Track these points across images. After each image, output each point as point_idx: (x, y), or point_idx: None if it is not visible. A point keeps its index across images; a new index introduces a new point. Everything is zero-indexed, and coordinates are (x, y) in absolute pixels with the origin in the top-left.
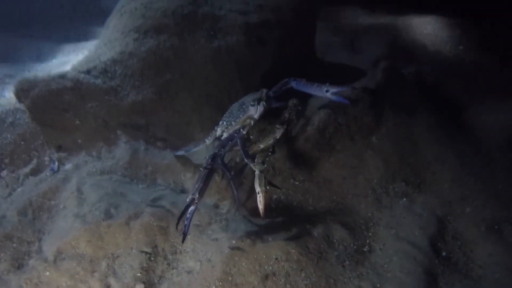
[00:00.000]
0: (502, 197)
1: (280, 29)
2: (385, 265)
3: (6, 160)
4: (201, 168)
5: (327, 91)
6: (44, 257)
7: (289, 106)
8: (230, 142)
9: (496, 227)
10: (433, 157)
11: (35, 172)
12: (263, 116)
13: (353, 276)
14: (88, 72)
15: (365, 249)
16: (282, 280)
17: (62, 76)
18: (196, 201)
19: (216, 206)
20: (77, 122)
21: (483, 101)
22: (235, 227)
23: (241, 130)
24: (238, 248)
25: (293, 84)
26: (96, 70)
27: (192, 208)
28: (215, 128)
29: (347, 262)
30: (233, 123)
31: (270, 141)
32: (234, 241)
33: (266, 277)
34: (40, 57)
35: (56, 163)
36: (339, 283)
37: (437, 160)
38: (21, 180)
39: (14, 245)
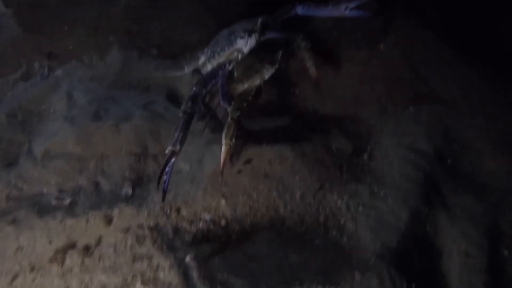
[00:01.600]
0: None
1: None
2: (385, 171)
3: None
4: (179, 113)
5: (345, 8)
6: (33, 156)
7: (295, 44)
8: (213, 80)
9: (507, 139)
10: (446, 66)
11: (25, 77)
12: (254, 50)
13: (349, 181)
14: None
15: (365, 156)
16: (275, 182)
17: None
18: (176, 153)
19: None
20: (67, 28)
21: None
22: None
23: (226, 65)
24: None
25: (299, 10)
26: None
27: (172, 161)
28: (198, 54)
29: (345, 168)
30: (217, 55)
31: (255, 81)
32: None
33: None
34: None
35: (47, 69)
36: (334, 186)
37: (450, 69)
38: (11, 85)
39: (3, 145)
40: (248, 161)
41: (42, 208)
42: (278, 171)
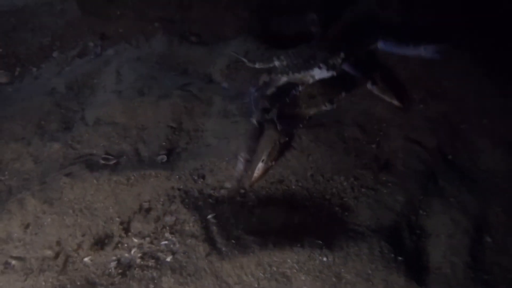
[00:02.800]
0: None
1: None
2: (390, 160)
3: (57, 43)
4: (252, 121)
5: (424, 49)
6: (86, 122)
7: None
8: (282, 99)
9: (508, 140)
10: (460, 69)
11: (81, 54)
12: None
13: (357, 166)
14: None
15: (373, 146)
16: (289, 160)
17: None
18: (245, 162)
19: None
20: (119, 12)
21: None
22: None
23: (297, 88)
24: None
25: (381, 45)
26: None
27: (239, 167)
28: (273, 58)
29: (354, 153)
30: (291, 72)
31: (311, 111)
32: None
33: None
34: None
35: (100, 48)
36: (343, 169)
37: (463, 72)
38: (69, 61)
39: (62, 111)
40: None
41: (92, 165)
42: (293, 152)
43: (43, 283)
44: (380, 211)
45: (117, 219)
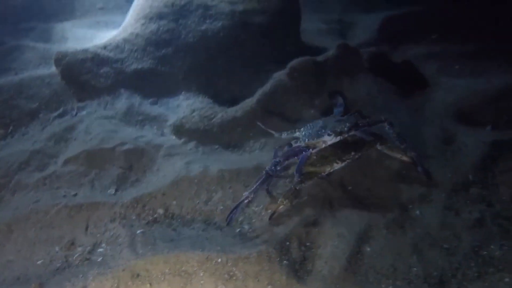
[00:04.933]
0: None
1: (264, 16)
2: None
3: (43, 107)
4: (264, 172)
5: (414, 157)
6: (58, 164)
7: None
8: (294, 157)
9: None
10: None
11: (61, 116)
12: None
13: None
14: (104, 47)
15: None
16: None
17: (85, 50)
18: (248, 199)
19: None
20: (93, 82)
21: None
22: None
23: (310, 150)
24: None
25: (387, 127)
26: (111, 46)
27: (243, 202)
28: (296, 129)
29: None
30: (307, 138)
31: (324, 169)
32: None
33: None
34: None
35: (76, 111)
36: None
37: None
38: (51, 120)
39: (40, 156)
40: None
41: (56, 196)
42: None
43: None
44: (276, 229)
45: (68, 235)
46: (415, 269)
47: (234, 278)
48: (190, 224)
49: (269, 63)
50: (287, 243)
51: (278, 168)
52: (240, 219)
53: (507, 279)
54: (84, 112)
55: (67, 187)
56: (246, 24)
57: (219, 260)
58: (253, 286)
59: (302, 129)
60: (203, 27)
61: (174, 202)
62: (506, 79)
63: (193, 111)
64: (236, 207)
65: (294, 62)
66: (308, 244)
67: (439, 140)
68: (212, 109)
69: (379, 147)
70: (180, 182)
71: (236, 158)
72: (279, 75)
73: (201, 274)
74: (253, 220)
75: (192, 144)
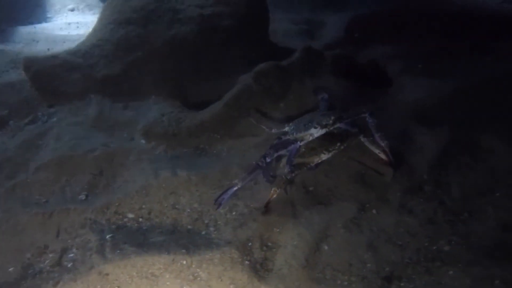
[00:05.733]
0: None
1: (232, 20)
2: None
3: (13, 114)
4: (254, 162)
5: (385, 145)
6: (29, 171)
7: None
8: (283, 150)
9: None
10: None
11: (32, 122)
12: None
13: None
14: (74, 53)
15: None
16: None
17: (55, 56)
18: (238, 186)
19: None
20: (63, 88)
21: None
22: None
23: (299, 142)
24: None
25: (368, 119)
26: (80, 52)
27: (232, 188)
28: (285, 125)
29: None
30: (295, 132)
31: (313, 160)
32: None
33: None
34: None
35: (46, 117)
36: None
37: None
38: (22, 127)
39: (11, 164)
40: None
41: (26, 203)
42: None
43: None
44: (239, 230)
45: (39, 241)
46: (369, 265)
47: (199, 278)
48: (158, 228)
49: (238, 66)
50: (249, 244)
51: (268, 160)
52: (206, 221)
53: (451, 272)
54: (54, 119)
55: (38, 194)
56: (214, 27)
57: (184, 262)
58: (216, 286)
59: (290, 124)
60: (172, 32)
61: (143, 206)
62: (463, 79)
63: (163, 115)
64: (224, 192)
65: (259, 67)
66: (269, 244)
67: (399, 139)
68: (181, 113)
69: (362, 138)
70: (149, 187)
71: (204, 162)
72: (245, 79)
73: (167, 276)
74: (219, 222)
75: (161, 148)
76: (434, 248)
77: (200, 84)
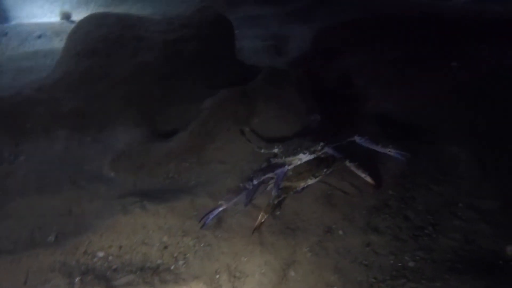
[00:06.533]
0: None
1: (196, 42)
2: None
3: None
4: (240, 184)
5: (390, 151)
6: None
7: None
8: (270, 173)
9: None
10: None
11: None
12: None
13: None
14: (38, 89)
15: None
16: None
17: (19, 93)
18: (223, 206)
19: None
20: (28, 125)
21: None
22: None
23: (286, 166)
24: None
25: (357, 139)
26: (45, 87)
27: (217, 209)
28: (274, 146)
29: None
30: (284, 156)
31: (300, 184)
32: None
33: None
34: None
35: (13, 157)
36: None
37: None
38: None
39: None
40: None
41: None
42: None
43: None
44: (207, 262)
45: None
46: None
47: None
48: (128, 265)
49: (205, 89)
50: (217, 276)
51: (255, 183)
52: (175, 255)
53: None
54: (22, 157)
55: (5, 239)
56: (179, 52)
57: None
58: None
59: (280, 146)
60: (137, 60)
61: (113, 244)
62: (429, 88)
63: (130, 145)
64: (209, 213)
65: (222, 94)
66: (237, 274)
67: (365, 156)
68: (149, 143)
69: (348, 163)
70: (118, 223)
71: (173, 192)
72: (211, 105)
73: None
74: (187, 255)
75: (130, 181)
76: (399, 265)
77: (168, 111)
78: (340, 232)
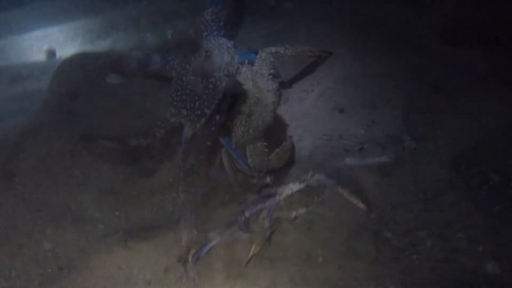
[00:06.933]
0: None
1: None
2: None
3: None
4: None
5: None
6: None
7: None
8: (263, 204)
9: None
10: None
11: None
12: None
13: None
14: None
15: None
16: None
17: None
18: (216, 241)
19: None
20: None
21: None
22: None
23: (278, 196)
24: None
25: (348, 161)
26: (30, 131)
27: (210, 244)
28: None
29: None
30: (274, 188)
31: (290, 214)
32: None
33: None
34: None
35: None
36: None
37: None
38: None
39: None
40: None
41: None
42: None
43: None
44: None
45: None
46: None
47: None
48: None
49: None
50: None
51: (247, 215)
52: None
53: None
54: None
55: None
56: None
57: None
58: None
59: (272, 176)
60: (118, 97)
61: (96, 285)
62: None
63: (115, 182)
64: (203, 247)
65: None
66: None
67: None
68: (133, 178)
69: (340, 190)
70: (103, 263)
71: (157, 227)
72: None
73: None
74: None
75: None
76: None
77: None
78: (320, 259)
